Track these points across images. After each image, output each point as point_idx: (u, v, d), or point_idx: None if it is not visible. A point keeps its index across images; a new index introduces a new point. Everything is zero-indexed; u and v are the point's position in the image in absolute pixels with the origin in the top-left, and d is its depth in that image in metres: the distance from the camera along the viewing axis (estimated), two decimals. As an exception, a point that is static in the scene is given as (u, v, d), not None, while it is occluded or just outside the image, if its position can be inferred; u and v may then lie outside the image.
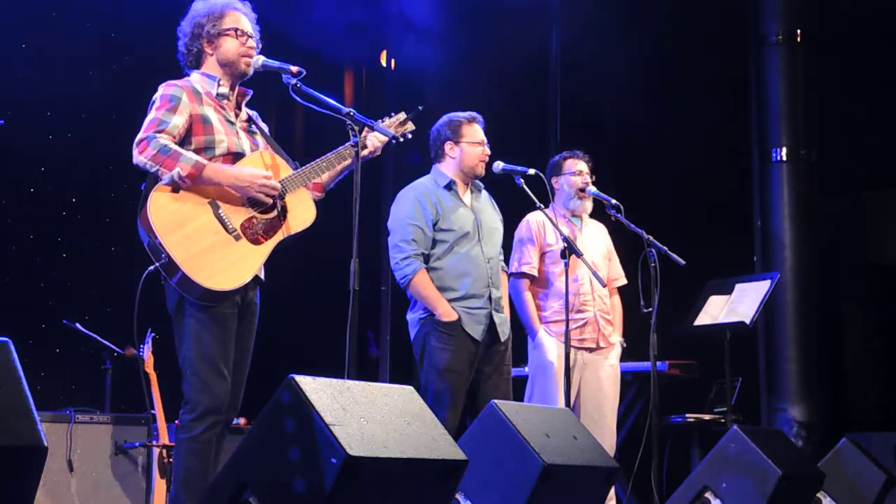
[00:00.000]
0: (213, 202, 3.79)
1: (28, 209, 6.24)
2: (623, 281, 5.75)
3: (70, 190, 6.43)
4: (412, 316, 4.99)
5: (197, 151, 3.82)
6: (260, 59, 3.99)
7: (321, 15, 7.29)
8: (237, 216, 3.82)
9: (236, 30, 3.98)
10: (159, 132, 3.76)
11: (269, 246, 3.87)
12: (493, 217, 5.16)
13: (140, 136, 3.77)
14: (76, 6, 6.41)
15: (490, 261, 5.01)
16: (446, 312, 4.84)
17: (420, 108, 4.43)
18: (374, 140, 4.14)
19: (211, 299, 3.75)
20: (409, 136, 4.35)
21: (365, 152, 4.06)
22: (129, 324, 5.41)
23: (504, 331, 5.01)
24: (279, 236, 3.90)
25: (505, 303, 5.12)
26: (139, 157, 3.74)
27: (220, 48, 3.97)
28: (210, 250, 3.73)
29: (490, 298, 4.95)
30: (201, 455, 3.73)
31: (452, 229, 4.95)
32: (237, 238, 3.80)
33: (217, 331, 3.78)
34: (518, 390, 5.77)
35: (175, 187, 3.73)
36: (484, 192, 5.20)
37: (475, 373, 4.91)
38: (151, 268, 3.74)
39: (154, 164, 3.72)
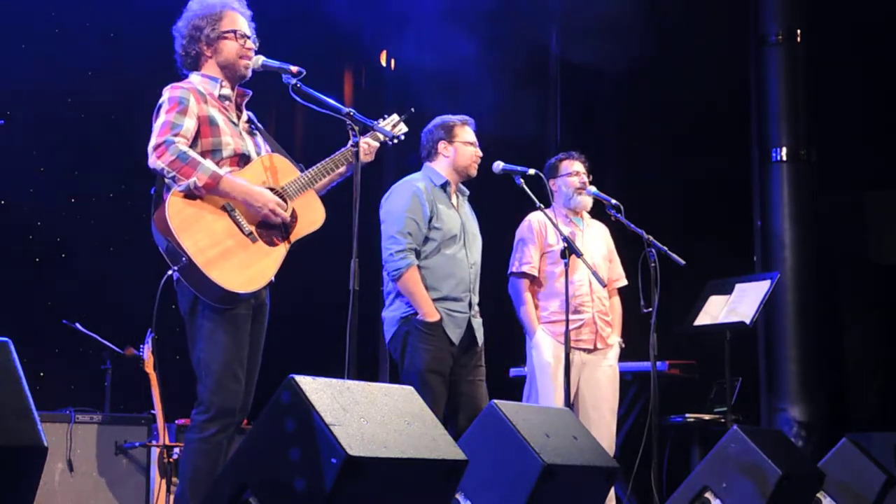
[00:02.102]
0: (227, 206, 3.78)
1: (28, 209, 6.24)
2: (623, 282, 5.74)
3: (70, 190, 6.43)
4: (390, 314, 4.94)
5: (204, 154, 3.80)
6: (260, 59, 3.98)
7: (321, 14, 7.29)
8: (251, 219, 3.82)
9: (235, 32, 3.95)
10: (175, 136, 3.72)
11: (284, 248, 3.88)
12: (474, 224, 5.17)
13: (156, 140, 3.72)
14: (76, 6, 6.41)
15: (472, 266, 5.01)
16: (430, 313, 4.82)
17: (413, 109, 4.42)
18: (364, 145, 4.12)
19: (229, 301, 3.74)
20: (403, 137, 4.34)
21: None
22: (128, 323, 5.43)
23: (480, 335, 5.00)
24: (293, 238, 3.90)
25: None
26: (157, 162, 3.69)
27: (220, 52, 3.94)
28: (229, 253, 3.72)
29: (470, 303, 4.95)
30: (211, 456, 3.72)
31: (442, 229, 4.95)
32: (253, 241, 3.80)
33: (232, 332, 3.78)
34: (517, 390, 5.77)
35: (189, 193, 3.72)
36: (466, 200, 5.20)
37: (450, 375, 4.90)
38: (170, 272, 3.72)
39: (171, 170, 3.68)
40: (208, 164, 3.74)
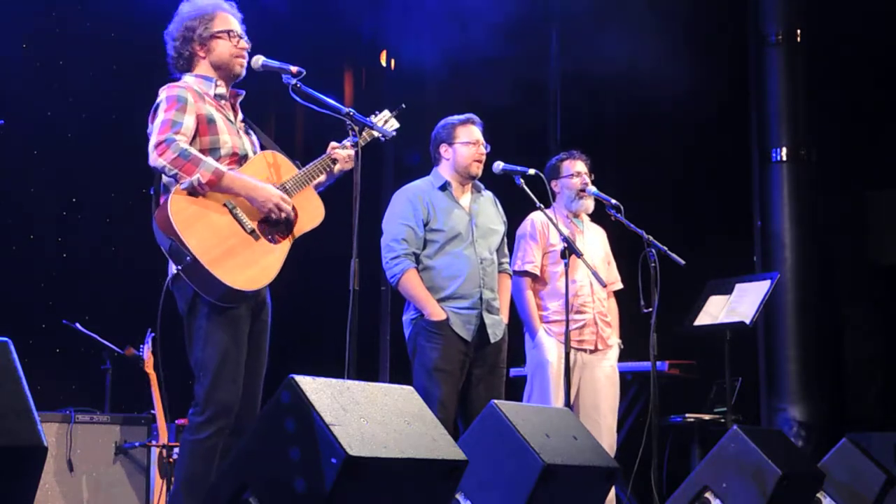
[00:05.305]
0: (228, 203, 3.77)
1: (28, 209, 6.24)
2: (619, 286, 5.75)
3: (70, 190, 6.43)
4: (405, 317, 4.99)
5: (203, 153, 3.80)
6: (260, 60, 3.98)
7: (321, 15, 7.29)
8: (252, 216, 3.81)
9: (228, 31, 3.96)
10: (176, 133, 3.72)
11: (286, 245, 3.87)
12: (492, 218, 5.15)
13: (157, 138, 3.71)
14: (76, 6, 6.41)
15: (483, 262, 5.00)
16: (435, 312, 4.83)
17: (403, 105, 4.42)
18: (343, 154, 4.07)
19: (231, 300, 3.72)
20: (394, 133, 4.32)
21: (336, 168, 4.06)
22: (128, 323, 5.42)
23: (495, 332, 4.96)
24: (295, 234, 3.90)
25: (502, 304, 5.09)
26: (158, 160, 3.68)
27: (214, 51, 3.95)
28: (233, 251, 3.71)
29: (481, 299, 4.95)
30: (206, 458, 3.70)
31: (443, 230, 4.95)
32: (256, 238, 3.79)
33: (231, 332, 3.76)
34: (517, 390, 5.77)
35: (192, 191, 3.71)
36: (487, 193, 5.18)
37: (466, 374, 4.89)
38: (173, 271, 3.70)
39: (173, 168, 3.67)
40: (210, 160, 3.73)
